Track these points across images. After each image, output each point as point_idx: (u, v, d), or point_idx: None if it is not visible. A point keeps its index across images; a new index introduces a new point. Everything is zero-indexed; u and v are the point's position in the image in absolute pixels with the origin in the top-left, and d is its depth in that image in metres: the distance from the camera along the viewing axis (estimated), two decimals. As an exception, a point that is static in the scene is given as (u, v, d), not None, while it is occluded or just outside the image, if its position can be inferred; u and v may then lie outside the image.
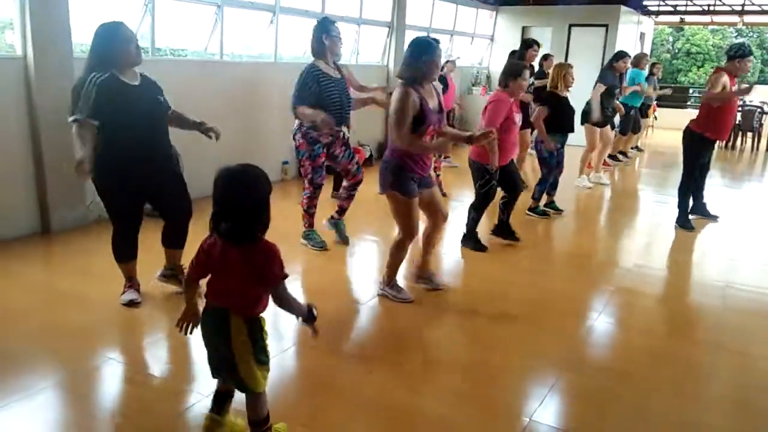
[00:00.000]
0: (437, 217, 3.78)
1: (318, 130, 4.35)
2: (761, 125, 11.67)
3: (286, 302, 2.11)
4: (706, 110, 5.40)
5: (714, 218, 5.99)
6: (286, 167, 7.13)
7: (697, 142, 5.50)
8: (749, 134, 11.60)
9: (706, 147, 5.58)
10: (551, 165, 5.74)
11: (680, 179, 5.69)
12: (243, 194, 1.96)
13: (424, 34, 9.97)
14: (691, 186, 5.72)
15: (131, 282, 3.54)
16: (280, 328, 3.50)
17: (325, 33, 4.38)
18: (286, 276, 2.08)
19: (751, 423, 2.61)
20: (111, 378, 2.85)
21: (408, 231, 3.59)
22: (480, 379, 2.94)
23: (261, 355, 2.12)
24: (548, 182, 5.86)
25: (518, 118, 4.73)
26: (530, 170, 7.82)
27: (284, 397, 2.65)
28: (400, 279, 3.88)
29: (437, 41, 3.48)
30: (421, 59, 3.37)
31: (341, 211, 4.90)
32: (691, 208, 5.85)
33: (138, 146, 3.17)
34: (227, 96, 6.21)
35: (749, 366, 3.13)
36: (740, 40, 25.14)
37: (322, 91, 4.31)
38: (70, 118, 3.04)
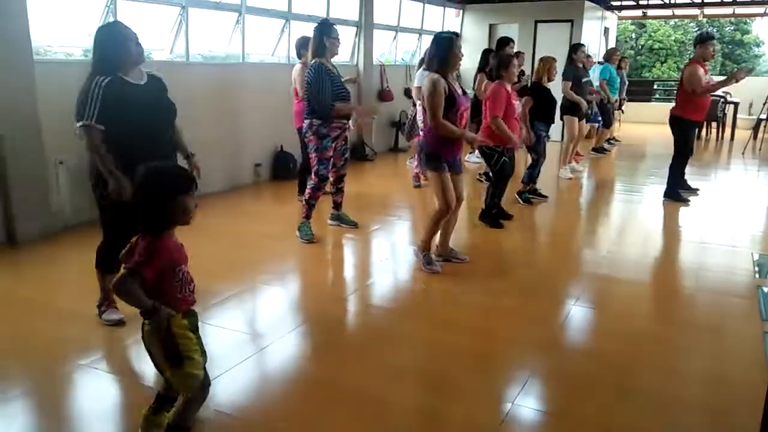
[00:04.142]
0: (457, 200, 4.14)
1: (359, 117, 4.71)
2: (725, 115, 11.94)
3: (123, 292, 2.04)
4: (684, 96, 5.93)
5: (695, 191, 6.51)
6: (258, 169, 7.05)
7: (683, 124, 6.01)
8: (713, 124, 11.85)
9: (690, 128, 6.13)
10: (540, 151, 5.99)
11: (672, 161, 6.22)
12: (140, 189, 2.08)
13: (392, 33, 10.00)
14: (683, 166, 6.26)
15: (110, 298, 3.25)
16: (258, 326, 3.44)
17: (326, 35, 4.58)
18: (131, 266, 2.02)
19: (727, 393, 2.65)
20: (84, 384, 2.76)
21: (444, 201, 3.97)
22: (463, 366, 2.92)
23: (172, 356, 2.04)
24: (539, 168, 6.09)
25: (517, 104, 5.05)
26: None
27: (260, 393, 2.61)
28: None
29: (457, 34, 3.95)
30: (444, 51, 3.80)
31: (337, 205, 5.18)
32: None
33: (140, 149, 2.86)
34: (195, 99, 6.09)
35: (722, 342, 3.18)
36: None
37: (333, 86, 4.53)
38: (78, 124, 2.95)
